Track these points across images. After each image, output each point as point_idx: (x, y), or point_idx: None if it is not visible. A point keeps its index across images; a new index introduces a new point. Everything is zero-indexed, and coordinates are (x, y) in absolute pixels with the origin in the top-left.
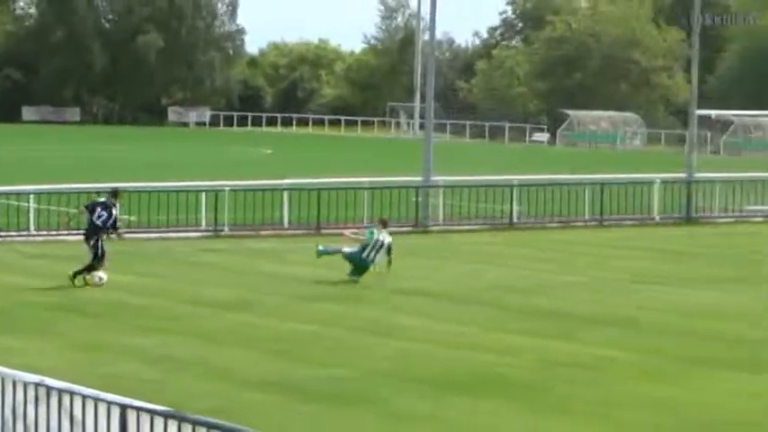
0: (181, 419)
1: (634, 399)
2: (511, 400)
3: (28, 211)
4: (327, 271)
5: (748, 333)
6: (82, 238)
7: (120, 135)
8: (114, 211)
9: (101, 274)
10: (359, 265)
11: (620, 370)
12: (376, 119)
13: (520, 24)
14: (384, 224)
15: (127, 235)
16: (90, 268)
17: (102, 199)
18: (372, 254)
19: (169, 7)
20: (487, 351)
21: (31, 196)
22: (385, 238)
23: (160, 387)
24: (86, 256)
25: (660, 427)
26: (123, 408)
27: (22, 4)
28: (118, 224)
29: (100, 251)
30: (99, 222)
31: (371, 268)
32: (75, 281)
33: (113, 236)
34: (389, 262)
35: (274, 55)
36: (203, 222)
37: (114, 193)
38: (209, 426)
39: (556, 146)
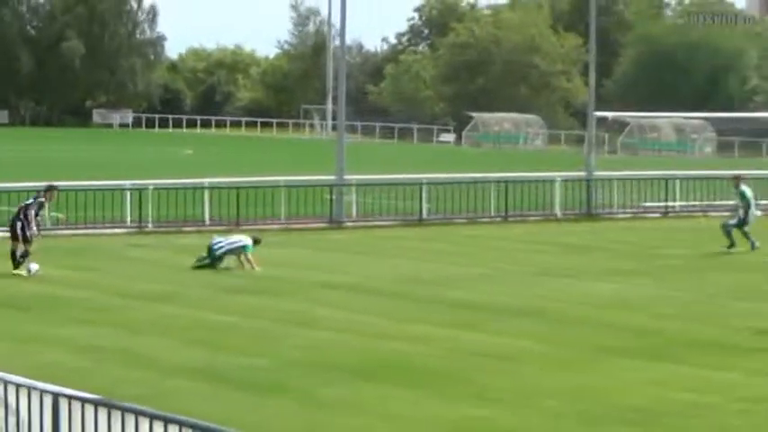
0: (111, 406)
1: (548, 386)
2: (424, 388)
3: None
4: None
5: (649, 323)
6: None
7: (47, 136)
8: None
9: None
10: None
11: (531, 359)
12: (291, 120)
13: (426, 31)
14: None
15: (56, 231)
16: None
17: (30, 201)
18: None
19: (90, 15)
20: (401, 341)
21: None
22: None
23: (89, 375)
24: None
25: (582, 413)
26: (55, 395)
27: None
28: (38, 220)
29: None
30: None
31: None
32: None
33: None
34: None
35: (193, 60)
36: (128, 219)
37: (48, 189)
38: (137, 412)
39: (462, 146)
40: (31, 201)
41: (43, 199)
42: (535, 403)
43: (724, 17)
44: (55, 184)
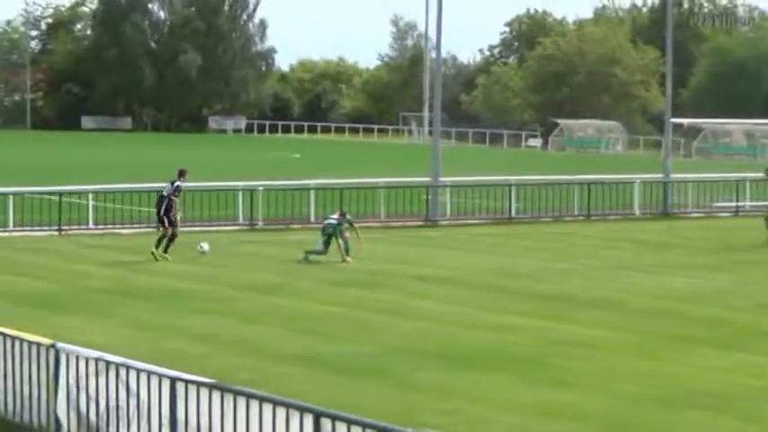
0: (224, 390)
1: (625, 372)
2: (512, 374)
3: (87, 207)
4: (354, 261)
5: (721, 314)
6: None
7: (166, 141)
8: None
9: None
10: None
11: (611, 347)
12: (390, 127)
13: (516, 44)
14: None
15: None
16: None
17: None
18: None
19: (207, 29)
20: (491, 330)
21: (90, 195)
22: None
23: (205, 361)
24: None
25: (657, 397)
26: (173, 380)
27: (79, 26)
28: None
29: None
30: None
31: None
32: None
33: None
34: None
35: (301, 71)
36: (240, 217)
37: (181, 173)
38: (248, 395)
39: (548, 150)
40: (168, 187)
41: (179, 182)
42: (613, 388)
43: None
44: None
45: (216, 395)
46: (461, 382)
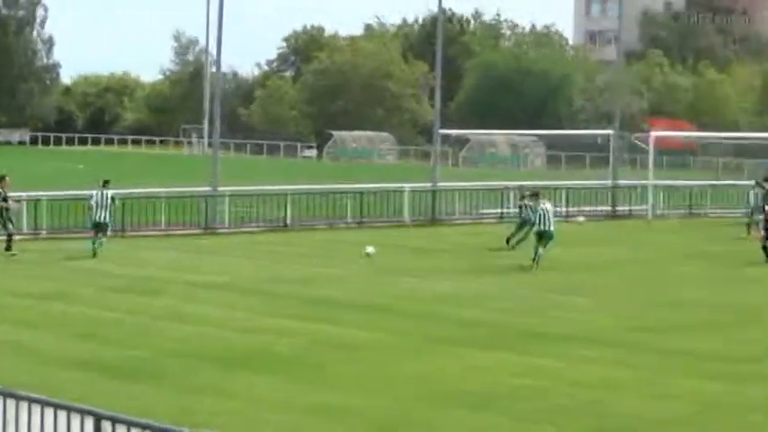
0: (4, 395)
1: (394, 373)
2: (286, 375)
3: None
4: (135, 269)
5: (483, 316)
6: None
7: None
8: None
9: None
10: None
11: (380, 349)
12: (171, 138)
13: (293, 58)
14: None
15: None
16: None
17: None
18: None
19: None
20: (266, 333)
21: None
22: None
23: None
24: None
25: (424, 396)
26: None
27: None
28: None
29: None
30: None
31: None
32: None
33: None
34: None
35: (85, 85)
36: (24, 226)
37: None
38: (29, 400)
39: (322, 161)
40: None
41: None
42: (382, 388)
43: (552, 46)
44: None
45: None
46: (237, 384)
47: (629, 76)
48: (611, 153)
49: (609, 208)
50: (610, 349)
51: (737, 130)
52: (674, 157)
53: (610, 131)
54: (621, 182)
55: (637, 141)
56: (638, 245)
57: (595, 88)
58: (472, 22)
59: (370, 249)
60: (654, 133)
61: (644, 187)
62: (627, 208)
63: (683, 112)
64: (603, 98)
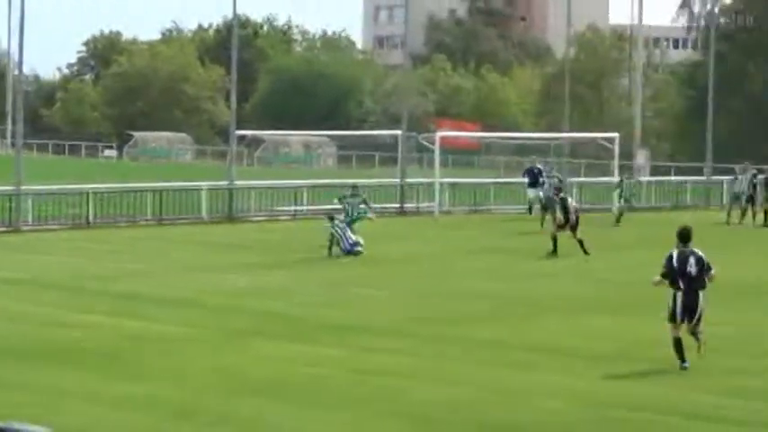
0: None
1: (197, 365)
2: (92, 369)
3: None
4: None
5: (281, 309)
6: None
7: None
8: None
9: None
10: None
11: (184, 342)
12: None
13: (92, 62)
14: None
15: None
16: None
17: None
18: None
19: None
20: (72, 328)
21: None
22: None
23: None
24: None
25: (223, 387)
26: None
27: None
28: None
29: None
30: None
31: None
32: None
33: None
34: None
35: None
36: None
37: None
38: None
39: (123, 160)
40: None
41: None
42: (185, 379)
43: (342, 51)
44: None
45: None
46: (44, 378)
47: (415, 80)
48: (399, 152)
49: (397, 205)
50: (402, 339)
51: (518, 130)
52: (460, 156)
53: (398, 132)
54: (410, 180)
55: (423, 141)
56: (426, 240)
57: (384, 91)
58: (265, 27)
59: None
60: (440, 133)
61: (431, 185)
62: (415, 205)
63: (468, 113)
64: (391, 100)
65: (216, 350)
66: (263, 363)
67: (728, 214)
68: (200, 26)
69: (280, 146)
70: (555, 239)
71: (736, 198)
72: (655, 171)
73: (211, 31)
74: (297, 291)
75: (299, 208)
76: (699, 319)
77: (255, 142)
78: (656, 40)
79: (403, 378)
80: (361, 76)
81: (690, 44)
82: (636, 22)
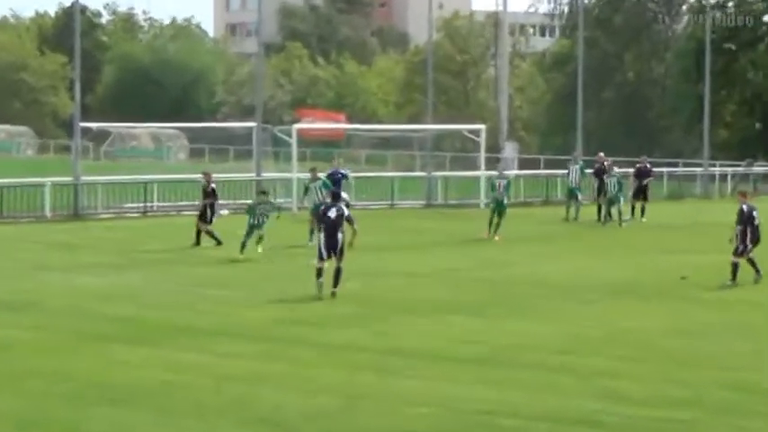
0: None
1: (39, 371)
2: None
3: None
4: None
5: (131, 311)
6: None
7: None
8: None
9: None
10: None
11: (24, 347)
12: None
13: None
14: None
15: None
16: None
17: None
18: None
19: None
20: None
21: None
22: None
23: None
24: None
25: (68, 395)
26: None
27: None
28: None
29: None
30: None
31: None
32: None
33: None
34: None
35: None
36: None
37: None
38: None
39: None
40: None
41: None
42: (26, 387)
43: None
44: None
45: None
46: None
47: (269, 69)
48: (254, 146)
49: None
50: (259, 343)
51: (380, 122)
52: (322, 149)
53: (252, 124)
54: (266, 174)
55: (279, 134)
56: (284, 237)
57: (237, 81)
58: (105, 14)
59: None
60: (296, 126)
61: (289, 180)
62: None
63: (327, 104)
64: (245, 91)
65: (63, 356)
66: (115, 369)
67: (567, 210)
68: (37, 13)
69: (128, 139)
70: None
71: (571, 192)
72: (524, 164)
73: (49, 19)
74: (149, 292)
75: (149, 204)
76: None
77: (102, 135)
78: (523, 27)
79: (261, 384)
80: (213, 65)
81: (558, 31)
82: (501, 8)
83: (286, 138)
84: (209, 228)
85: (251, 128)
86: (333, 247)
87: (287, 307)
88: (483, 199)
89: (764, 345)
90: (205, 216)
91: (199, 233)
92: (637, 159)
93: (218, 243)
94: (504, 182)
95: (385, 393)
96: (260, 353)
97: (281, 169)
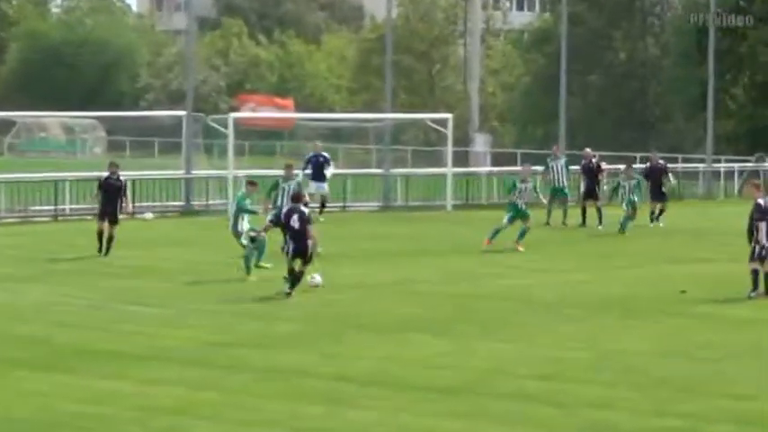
0: None
1: None
2: None
3: None
4: None
5: (39, 331)
6: None
7: None
8: None
9: None
10: None
11: None
12: None
13: None
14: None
15: None
16: None
17: None
18: None
19: None
20: None
21: None
22: None
23: None
24: None
25: None
26: None
27: None
28: None
29: None
30: None
31: None
32: None
33: None
34: None
35: None
36: None
37: None
38: None
39: None
40: None
41: None
42: None
43: (112, 14)
44: None
45: None
46: None
47: (202, 49)
48: (183, 138)
49: (182, 203)
50: (190, 368)
51: (330, 110)
52: (263, 141)
53: (182, 113)
54: (197, 172)
55: (213, 124)
56: (217, 246)
57: (164, 63)
58: None
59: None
60: (234, 115)
61: (224, 178)
62: (204, 202)
63: (270, 89)
64: (174, 74)
65: None
66: (22, 400)
67: (548, 212)
68: None
69: (35, 130)
70: None
71: (555, 192)
72: (497, 160)
73: None
74: (60, 309)
75: (60, 207)
76: None
77: (4, 126)
78: (498, 1)
79: (192, 416)
80: (136, 44)
81: (538, 5)
82: None
83: (221, 128)
84: (115, 231)
85: (180, 117)
86: (302, 253)
87: (221, 326)
88: (448, 200)
89: None
90: (113, 216)
91: (103, 238)
92: (628, 154)
93: (102, 251)
94: (527, 185)
95: (335, 427)
96: (190, 380)
97: (215, 166)
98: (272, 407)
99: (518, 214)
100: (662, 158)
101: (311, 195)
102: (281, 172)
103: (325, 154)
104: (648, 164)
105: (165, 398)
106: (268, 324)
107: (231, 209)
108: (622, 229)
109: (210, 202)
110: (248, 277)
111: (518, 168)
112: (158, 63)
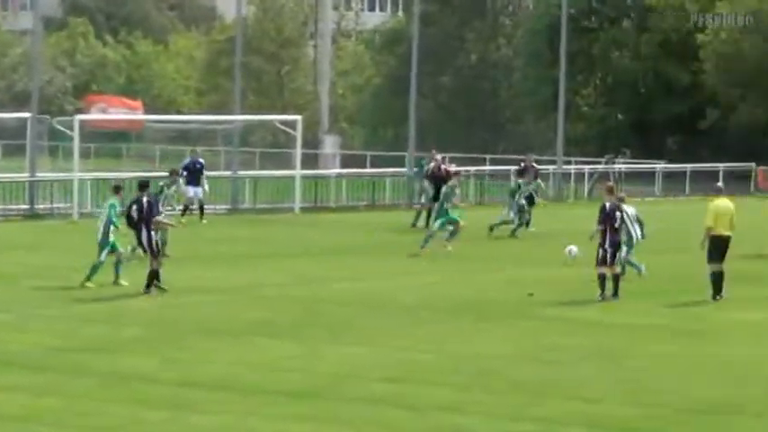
0: None
1: None
2: None
3: None
4: None
5: None
6: None
7: None
8: None
9: None
10: None
11: None
12: None
13: None
14: None
15: None
16: None
17: None
18: None
19: None
20: None
21: None
22: None
23: None
24: None
25: None
26: None
27: None
28: None
29: None
30: None
31: None
32: None
33: None
34: None
35: None
36: None
37: None
38: None
39: None
40: None
41: None
42: None
43: None
44: None
45: None
46: None
47: (48, 49)
48: (27, 140)
49: (26, 206)
50: (31, 374)
51: (178, 111)
52: (109, 144)
53: (26, 114)
54: (42, 174)
55: (58, 126)
56: (64, 250)
57: (9, 63)
58: None
59: (573, 249)
60: (79, 117)
61: (69, 181)
62: (49, 205)
63: (117, 90)
64: (18, 75)
65: None
66: None
67: (417, 216)
68: None
69: None
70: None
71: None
72: (347, 162)
73: None
74: None
75: None
76: None
77: None
78: (349, 1)
79: (33, 423)
80: None
81: (390, 5)
82: None
83: (66, 131)
84: None
85: (24, 119)
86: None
87: (65, 331)
88: (297, 203)
89: (625, 373)
90: None
91: None
92: (478, 156)
93: None
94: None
95: None
96: (32, 385)
97: (61, 168)
98: (114, 412)
99: (448, 218)
100: (514, 160)
101: (189, 199)
102: (130, 173)
103: (202, 160)
104: (522, 164)
105: (7, 405)
106: (113, 329)
107: (102, 218)
108: (513, 233)
109: (55, 205)
110: (88, 284)
111: (367, 171)
112: (3, 63)
